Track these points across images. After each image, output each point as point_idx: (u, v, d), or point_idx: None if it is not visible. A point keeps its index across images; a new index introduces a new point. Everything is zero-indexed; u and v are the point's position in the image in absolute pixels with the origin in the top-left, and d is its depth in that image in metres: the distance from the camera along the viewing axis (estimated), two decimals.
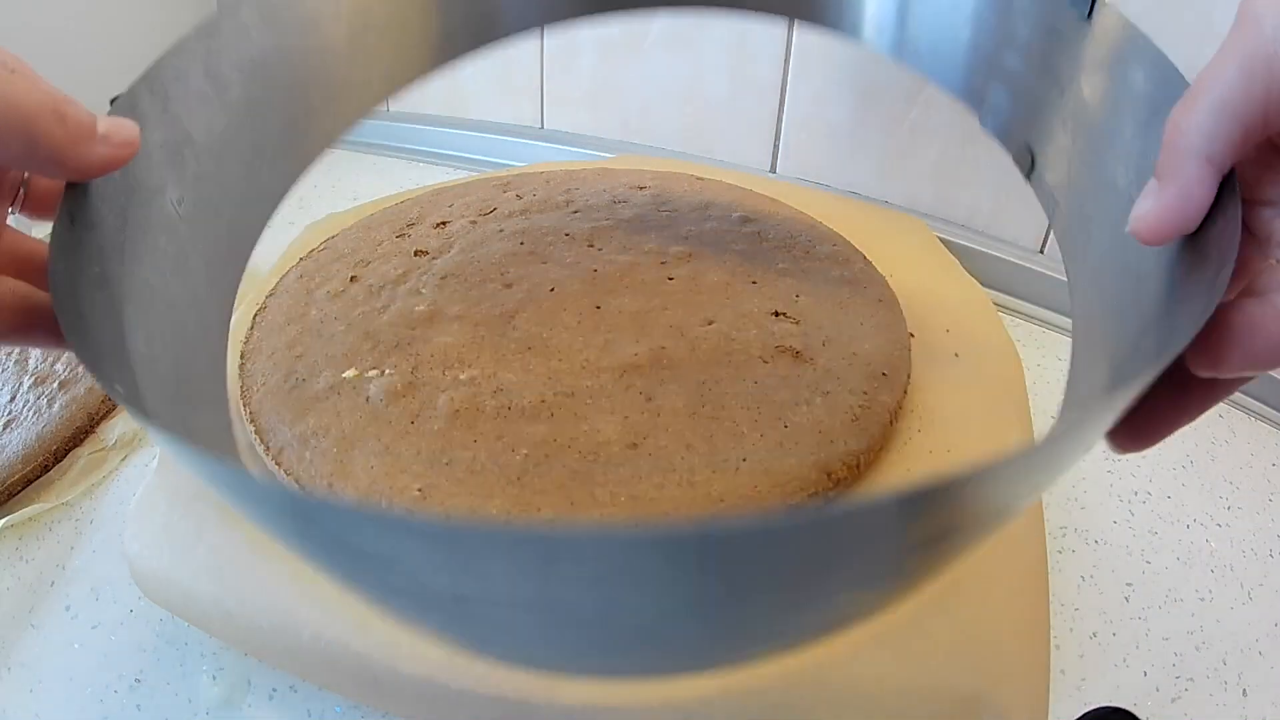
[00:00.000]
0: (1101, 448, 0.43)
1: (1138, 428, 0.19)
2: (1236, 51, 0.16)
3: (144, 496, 0.36)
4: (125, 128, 0.22)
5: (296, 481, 0.33)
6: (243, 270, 0.30)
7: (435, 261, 0.45)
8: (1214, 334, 0.16)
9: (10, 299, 0.22)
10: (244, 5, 0.31)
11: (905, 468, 0.34)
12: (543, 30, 0.43)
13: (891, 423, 0.35)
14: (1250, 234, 0.18)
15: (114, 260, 0.23)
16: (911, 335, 0.40)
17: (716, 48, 0.62)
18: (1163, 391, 0.18)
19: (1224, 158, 0.17)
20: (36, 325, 0.22)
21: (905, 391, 0.37)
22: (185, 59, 0.28)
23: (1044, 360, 0.49)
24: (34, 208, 0.24)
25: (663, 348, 0.37)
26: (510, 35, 0.41)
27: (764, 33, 0.59)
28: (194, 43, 0.29)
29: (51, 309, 0.20)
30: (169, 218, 0.26)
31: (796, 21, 0.42)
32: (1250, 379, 0.18)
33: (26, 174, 0.23)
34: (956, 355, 0.40)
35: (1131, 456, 0.43)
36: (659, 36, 0.64)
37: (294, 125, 0.33)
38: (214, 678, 0.34)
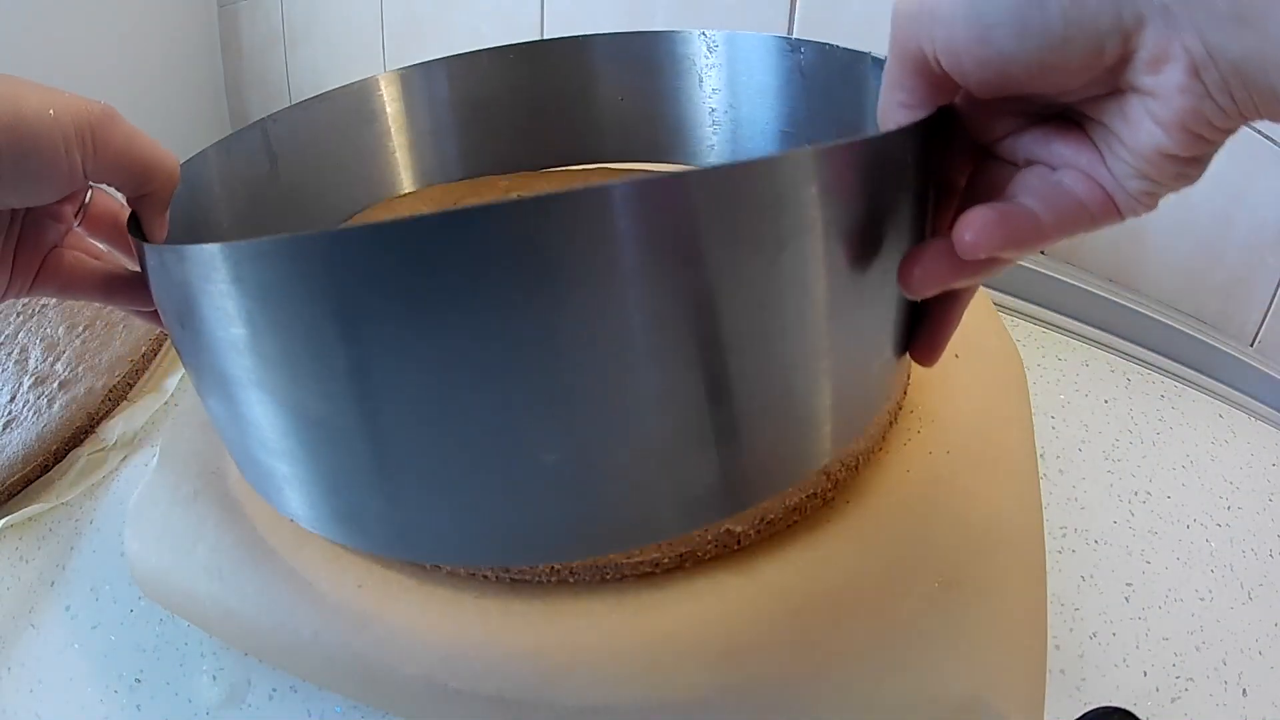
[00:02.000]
0: (1102, 450, 0.43)
1: (917, 266, 0.24)
2: (891, 45, 0.22)
3: (143, 495, 0.36)
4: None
5: None
6: None
7: None
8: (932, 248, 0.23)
9: (94, 268, 0.29)
10: (254, 131, 0.42)
11: (905, 468, 0.34)
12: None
13: (891, 423, 0.35)
14: (1003, 161, 0.24)
15: None
16: None
17: None
18: (938, 247, 0.23)
19: (918, 105, 0.22)
20: (118, 290, 0.28)
21: (905, 392, 0.37)
22: (206, 166, 0.37)
23: (1044, 360, 0.49)
24: (90, 224, 0.29)
25: None
26: (461, 179, 0.53)
27: (765, 25, 0.59)
28: (213, 154, 0.38)
29: (127, 277, 0.28)
30: None
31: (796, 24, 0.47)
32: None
33: (89, 195, 0.28)
34: (957, 356, 0.40)
35: (1131, 456, 0.43)
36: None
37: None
38: (214, 678, 0.34)
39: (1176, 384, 0.48)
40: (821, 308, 0.22)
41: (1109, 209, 0.21)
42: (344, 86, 0.47)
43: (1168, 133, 0.19)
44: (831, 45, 0.38)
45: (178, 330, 0.25)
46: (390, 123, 0.50)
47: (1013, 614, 0.29)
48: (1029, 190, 0.22)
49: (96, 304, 0.54)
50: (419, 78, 0.49)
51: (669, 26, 0.64)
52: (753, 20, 0.59)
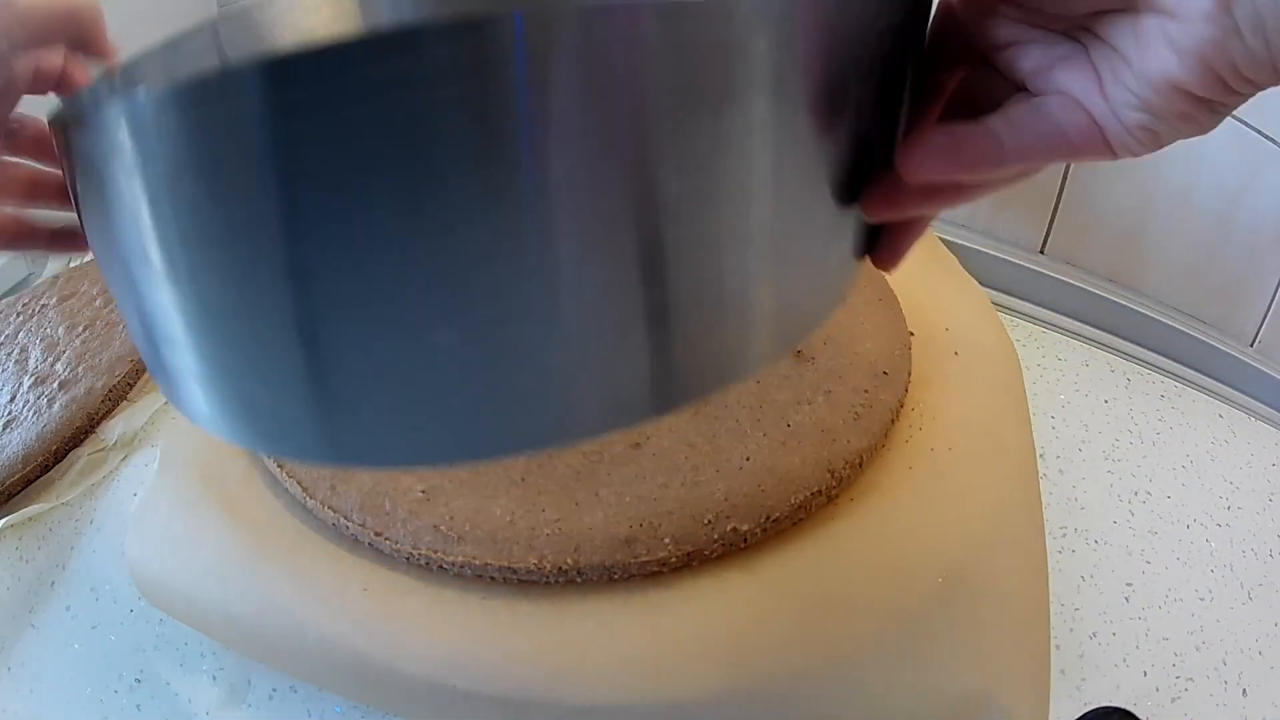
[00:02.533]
0: (1102, 450, 0.43)
1: (883, 194, 0.22)
2: None
3: (145, 500, 0.36)
4: None
5: (299, 484, 0.33)
6: None
7: None
8: (927, 142, 0.21)
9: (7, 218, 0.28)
10: (204, 31, 0.36)
11: (907, 465, 0.34)
12: None
13: (893, 421, 0.35)
14: (999, 75, 0.22)
15: None
16: (911, 334, 0.40)
17: None
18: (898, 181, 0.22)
19: None
20: (29, 236, 0.28)
21: (906, 390, 0.37)
22: (152, 64, 0.33)
23: (1044, 360, 0.49)
24: (19, 148, 0.28)
25: None
26: None
27: None
28: (159, 52, 0.33)
29: (56, 179, 0.27)
30: None
31: None
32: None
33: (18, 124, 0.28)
34: (956, 354, 0.40)
35: (1131, 456, 0.43)
36: None
37: None
38: (214, 678, 0.34)
39: (1176, 384, 0.48)
40: (766, 179, 0.20)
41: (1095, 140, 0.19)
42: None
43: (1183, 61, 0.17)
44: None
45: (83, 214, 0.24)
46: (346, 16, 0.47)
47: (1017, 608, 0.29)
48: (1004, 114, 0.21)
49: (98, 305, 0.54)
50: None
51: None
52: None
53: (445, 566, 0.31)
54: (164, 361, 0.23)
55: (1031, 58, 0.21)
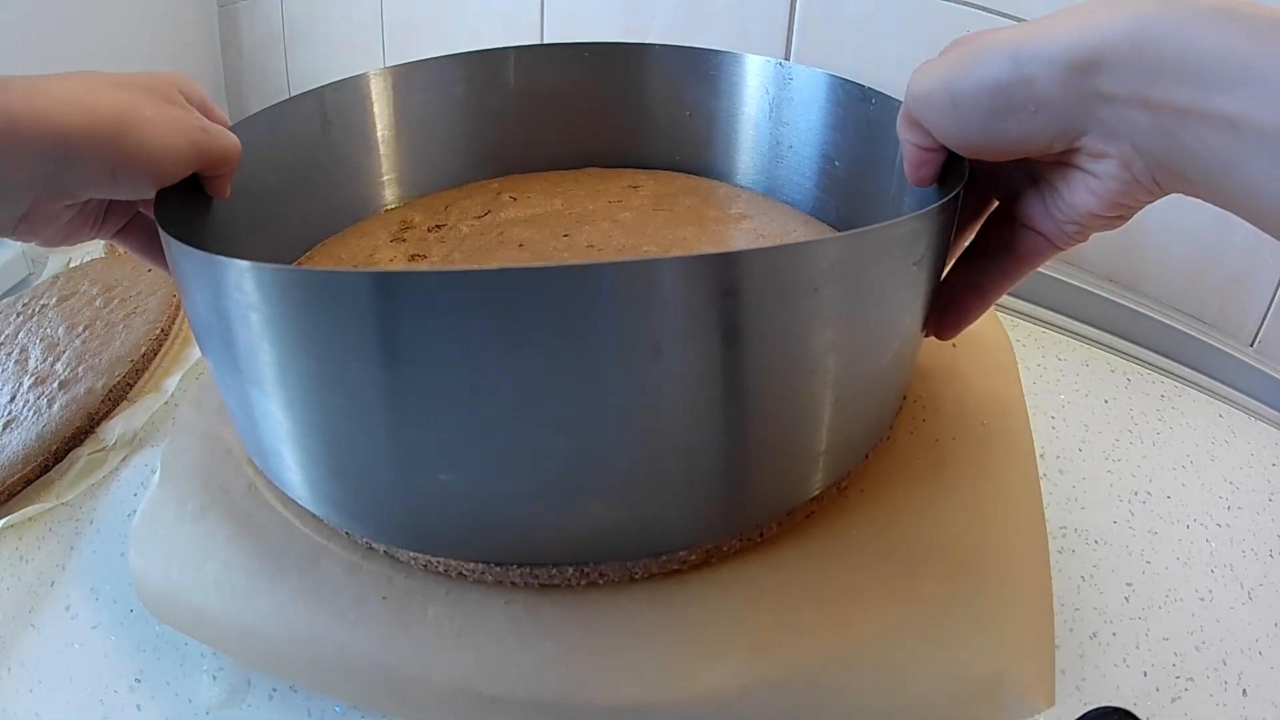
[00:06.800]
0: (1102, 449, 0.43)
1: (943, 311, 0.31)
2: (905, 100, 0.29)
3: (146, 511, 0.35)
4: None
5: None
6: None
7: (435, 266, 0.45)
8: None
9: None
10: (310, 97, 0.45)
11: (913, 456, 0.34)
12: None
13: (897, 412, 0.36)
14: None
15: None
16: None
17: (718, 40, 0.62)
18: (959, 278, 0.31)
19: (924, 144, 0.29)
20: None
21: (908, 382, 0.37)
22: (257, 128, 0.40)
23: (1044, 360, 0.49)
24: (137, 244, 0.34)
25: None
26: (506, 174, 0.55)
27: (764, 28, 0.59)
28: (265, 117, 0.42)
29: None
30: None
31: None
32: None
33: None
34: (954, 345, 0.40)
35: (1131, 456, 0.43)
36: (659, 34, 0.64)
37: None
38: (214, 678, 0.33)
39: (1176, 384, 0.48)
40: (839, 351, 0.27)
41: (1049, 248, 0.28)
42: (406, 63, 0.48)
43: (1099, 200, 0.25)
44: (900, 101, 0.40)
45: (198, 325, 0.27)
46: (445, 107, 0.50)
47: (1024, 592, 0.30)
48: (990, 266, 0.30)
49: (98, 305, 0.54)
50: (486, 63, 0.50)
51: (668, 26, 0.64)
52: (754, 19, 0.59)
53: (465, 573, 0.30)
54: (269, 463, 0.30)
55: (1009, 190, 0.29)
